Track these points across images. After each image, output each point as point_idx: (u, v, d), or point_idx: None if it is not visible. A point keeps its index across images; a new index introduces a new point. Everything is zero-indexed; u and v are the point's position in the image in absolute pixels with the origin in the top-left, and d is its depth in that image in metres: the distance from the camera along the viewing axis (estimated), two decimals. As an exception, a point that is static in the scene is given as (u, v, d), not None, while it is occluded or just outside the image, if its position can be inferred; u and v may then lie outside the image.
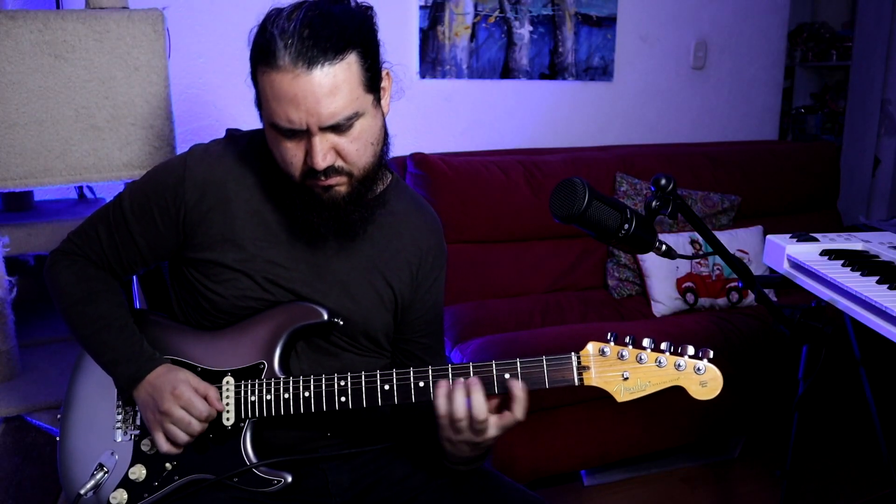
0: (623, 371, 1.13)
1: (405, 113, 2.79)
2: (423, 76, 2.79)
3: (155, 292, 1.50)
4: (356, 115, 1.10)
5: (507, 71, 2.91)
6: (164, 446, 1.18)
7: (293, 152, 1.12)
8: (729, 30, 3.30)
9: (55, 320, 2.19)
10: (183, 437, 1.17)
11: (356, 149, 1.12)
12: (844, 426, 2.71)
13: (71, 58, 1.72)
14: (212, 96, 2.49)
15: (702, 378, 1.13)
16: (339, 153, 1.12)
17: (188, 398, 1.16)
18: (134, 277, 1.54)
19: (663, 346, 1.13)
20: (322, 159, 1.09)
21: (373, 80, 1.12)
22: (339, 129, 1.09)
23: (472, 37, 2.83)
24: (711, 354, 1.12)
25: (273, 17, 1.08)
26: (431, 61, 2.79)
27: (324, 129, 1.08)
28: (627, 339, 1.13)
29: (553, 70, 2.99)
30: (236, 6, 2.45)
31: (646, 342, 1.13)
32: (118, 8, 1.81)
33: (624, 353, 1.13)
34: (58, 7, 2.08)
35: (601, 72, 3.07)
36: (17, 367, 1.88)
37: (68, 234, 1.32)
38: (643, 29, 3.13)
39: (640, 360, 1.13)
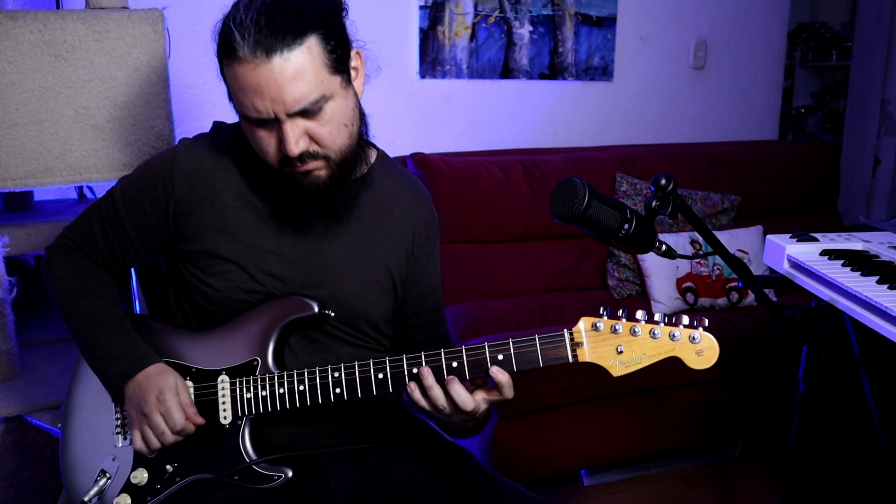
0: (617, 345, 1.10)
1: (405, 113, 2.79)
2: (423, 76, 2.79)
3: (155, 294, 1.50)
4: (323, 98, 1.10)
5: (507, 71, 2.91)
6: (138, 444, 1.19)
7: (267, 141, 1.12)
8: (729, 30, 3.30)
9: (55, 320, 2.19)
10: (155, 443, 1.18)
11: (329, 132, 1.12)
12: (844, 426, 2.71)
13: (71, 58, 1.72)
14: (212, 96, 2.48)
15: (697, 347, 1.09)
16: (312, 138, 1.12)
17: (168, 407, 1.16)
18: (134, 280, 1.54)
19: (657, 317, 1.11)
20: (295, 145, 1.10)
21: (339, 60, 1.11)
22: (308, 113, 1.09)
23: (472, 37, 2.83)
24: (707, 323, 1.10)
25: (233, 9, 1.08)
26: (431, 61, 2.79)
27: (292, 116, 1.08)
28: (620, 313, 1.11)
29: (553, 70, 2.99)
30: (236, 6, 2.45)
31: (639, 314, 1.11)
32: (118, 8, 1.81)
33: (617, 327, 1.10)
34: (58, 7, 2.08)
35: (601, 72, 3.07)
36: (17, 367, 1.88)
37: (63, 229, 1.32)
38: (643, 29, 3.13)
39: (634, 333, 1.10)
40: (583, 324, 1.12)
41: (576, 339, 1.12)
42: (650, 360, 1.10)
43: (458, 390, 1.11)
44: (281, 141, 1.10)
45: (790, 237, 1.59)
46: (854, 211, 3.78)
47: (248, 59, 1.05)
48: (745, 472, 2.48)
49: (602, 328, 1.11)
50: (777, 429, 2.45)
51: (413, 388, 1.13)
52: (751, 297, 2.60)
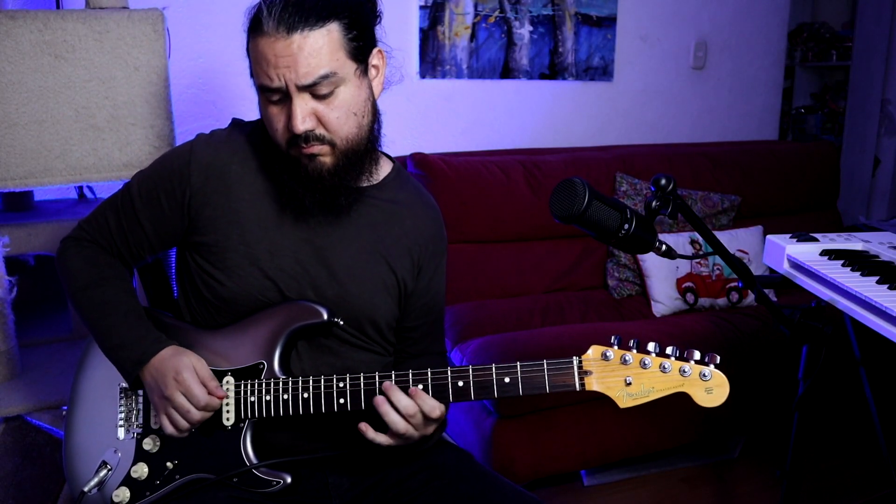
0: (626, 376, 1.09)
1: (405, 113, 2.79)
2: (423, 76, 2.79)
3: (156, 290, 1.50)
4: (333, 75, 1.12)
5: (507, 71, 2.91)
6: (168, 428, 1.19)
7: (278, 117, 1.15)
8: (729, 30, 3.30)
9: (55, 320, 2.19)
10: (183, 423, 1.18)
11: (336, 116, 1.15)
12: (844, 426, 2.71)
13: (71, 58, 1.72)
14: (212, 96, 2.49)
15: (707, 384, 1.09)
16: (319, 119, 1.14)
17: (188, 385, 1.17)
18: (136, 276, 1.55)
19: (668, 350, 1.10)
20: (301, 122, 1.12)
21: (358, 50, 1.15)
22: (319, 94, 1.12)
23: (472, 37, 2.83)
24: (718, 360, 1.09)
25: None
26: (431, 61, 2.79)
27: (302, 90, 1.11)
28: (631, 343, 1.10)
29: (553, 70, 2.99)
30: (236, 6, 2.43)
31: (650, 346, 1.10)
32: (118, 8, 1.81)
33: (627, 358, 1.09)
34: (58, 7, 2.08)
35: (601, 72, 3.07)
36: (17, 367, 1.88)
37: (79, 221, 1.34)
38: (643, 29, 3.13)
39: (643, 365, 1.09)
40: (592, 352, 1.11)
41: (584, 368, 1.11)
42: (658, 394, 1.09)
43: (426, 398, 1.14)
44: (289, 118, 1.13)
45: (790, 237, 1.60)
46: (854, 211, 3.78)
47: (270, 34, 1.10)
48: (745, 472, 2.47)
49: (612, 358, 1.10)
50: (777, 429, 2.45)
51: (381, 402, 1.14)
52: (751, 297, 2.60)
